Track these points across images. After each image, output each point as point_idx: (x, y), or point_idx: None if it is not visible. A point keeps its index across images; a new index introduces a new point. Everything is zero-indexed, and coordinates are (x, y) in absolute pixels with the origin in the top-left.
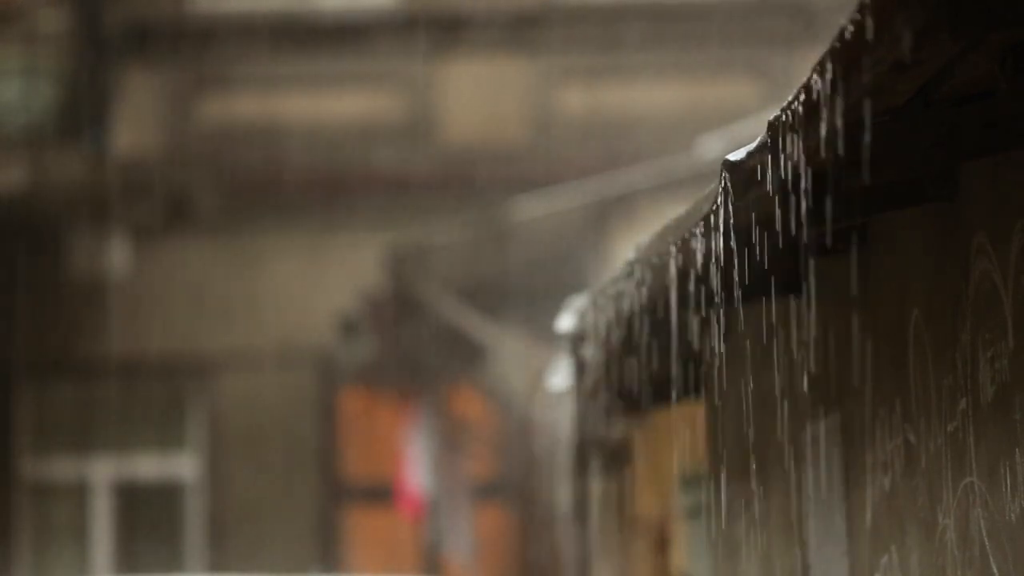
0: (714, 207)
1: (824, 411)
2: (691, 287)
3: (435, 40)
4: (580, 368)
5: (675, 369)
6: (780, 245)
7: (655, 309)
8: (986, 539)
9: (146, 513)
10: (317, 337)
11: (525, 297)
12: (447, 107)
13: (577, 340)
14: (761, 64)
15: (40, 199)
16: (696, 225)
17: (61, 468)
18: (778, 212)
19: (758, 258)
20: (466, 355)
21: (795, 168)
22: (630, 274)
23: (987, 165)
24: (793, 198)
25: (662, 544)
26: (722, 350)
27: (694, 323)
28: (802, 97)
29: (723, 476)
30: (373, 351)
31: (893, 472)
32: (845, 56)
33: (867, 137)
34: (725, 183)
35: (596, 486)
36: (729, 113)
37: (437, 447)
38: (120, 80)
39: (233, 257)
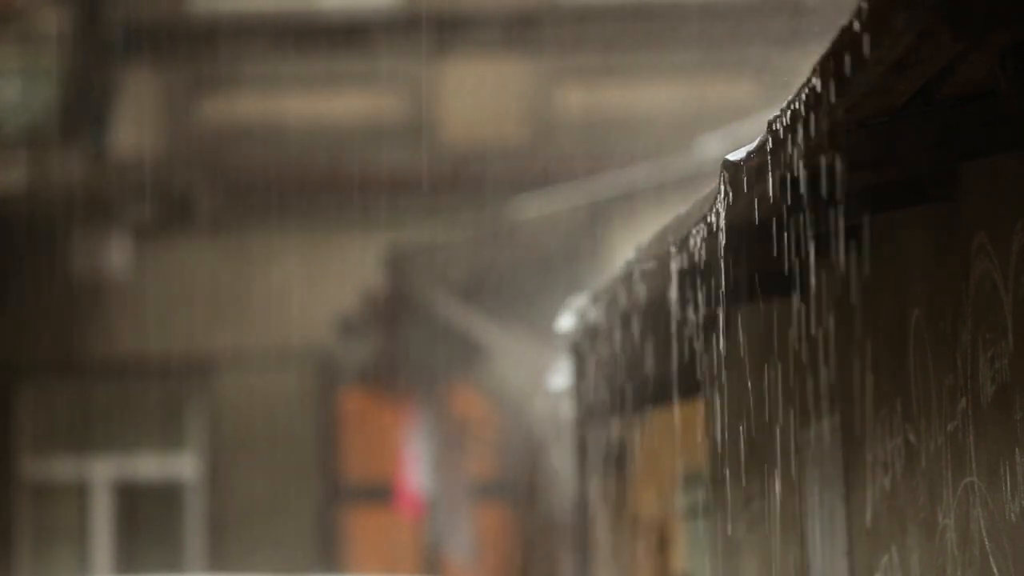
0: (714, 207)
1: (824, 411)
2: (691, 287)
3: (435, 40)
4: (580, 368)
5: (675, 369)
6: (780, 245)
7: (655, 309)
8: (986, 539)
9: (146, 513)
10: (317, 337)
11: (525, 297)
12: (447, 107)
13: (577, 340)
14: (761, 64)
15: (40, 199)
16: (696, 225)
17: (61, 468)
18: (778, 212)
19: (758, 258)
20: (466, 355)
21: (795, 168)
22: (630, 274)
23: (987, 165)
24: (793, 198)
25: (662, 544)
26: (722, 350)
27: (694, 323)
28: (802, 97)
29: (723, 476)
30: (373, 351)
31: (893, 472)
32: (845, 56)
33: (867, 137)
34: (725, 183)
35: (596, 486)
36: (729, 113)
37: (437, 447)
38: (120, 80)
39: (233, 257)
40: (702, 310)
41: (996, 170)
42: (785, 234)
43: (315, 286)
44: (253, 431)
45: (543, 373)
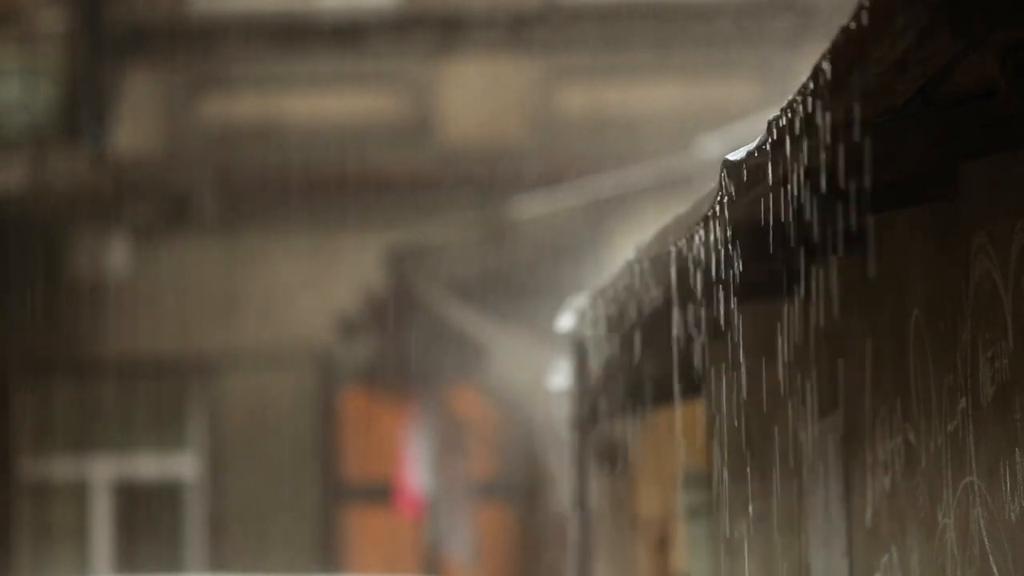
0: (714, 207)
1: (824, 411)
2: (691, 287)
3: (435, 40)
4: (580, 368)
5: (675, 369)
6: (780, 245)
7: (655, 309)
8: (986, 539)
9: (146, 513)
10: (317, 337)
11: (525, 297)
12: (447, 107)
13: (577, 340)
14: (761, 64)
15: (40, 199)
16: (696, 225)
17: (61, 468)
18: (778, 212)
19: (758, 258)
20: (466, 355)
21: (795, 168)
22: (630, 274)
23: (987, 165)
24: (793, 198)
25: (662, 544)
26: (722, 350)
27: (694, 323)
28: (802, 97)
29: (723, 476)
30: (373, 351)
31: (893, 472)
32: (845, 56)
33: (867, 137)
34: (724, 183)
35: (596, 486)
36: (729, 113)
37: (437, 447)
38: (120, 80)
39: (233, 257)
40: (702, 310)
41: (996, 170)
42: (785, 234)
43: (315, 286)
44: (253, 431)
45: (543, 373)
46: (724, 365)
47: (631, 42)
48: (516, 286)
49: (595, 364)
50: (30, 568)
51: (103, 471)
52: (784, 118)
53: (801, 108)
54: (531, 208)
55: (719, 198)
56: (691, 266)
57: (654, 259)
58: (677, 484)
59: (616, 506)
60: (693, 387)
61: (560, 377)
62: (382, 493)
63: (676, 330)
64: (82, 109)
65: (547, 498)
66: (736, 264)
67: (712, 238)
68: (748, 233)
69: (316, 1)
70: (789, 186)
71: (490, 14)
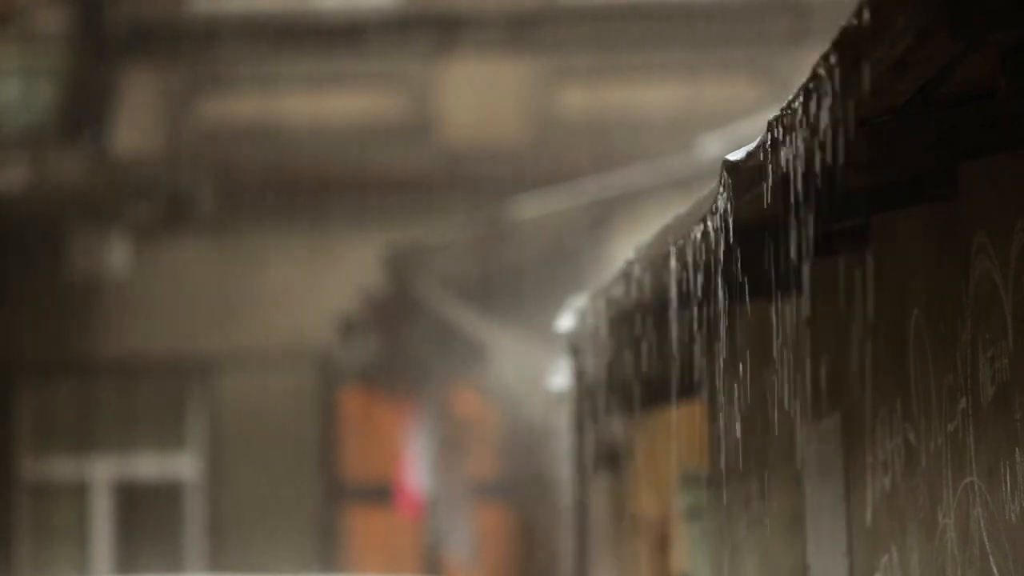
0: (714, 207)
1: (824, 411)
2: (691, 287)
3: (435, 40)
4: (580, 368)
5: (675, 369)
6: (780, 245)
7: (655, 309)
8: (986, 539)
9: (146, 513)
10: (317, 337)
11: (525, 297)
12: (447, 107)
13: (577, 340)
14: (761, 64)
15: (40, 199)
16: (696, 225)
17: (61, 468)
18: (778, 212)
19: (757, 258)
20: (466, 355)
21: (795, 168)
22: (630, 274)
23: (987, 165)
24: (793, 198)
25: (662, 544)
26: (722, 350)
27: (694, 323)
28: (802, 97)
29: (723, 476)
30: (373, 351)
31: (893, 472)
32: (845, 56)
33: (867, 137)
34: (725, 183)
35: (596, 486)
36: (729, 113)
37: (437, 447)
38: (120, 80)
39: (233, 257)
40: (702, 310)
41: (996, 170)
42: (785, 234)
43: (315, 286)
44: (253, 431)
45: (543, 373)
46: (724, 365)
47: (631, 42)
48: (516, 286)
49: (595, 364)
50: (30, 568)
51: (103, 471)
52: (784, 118)
53: (801, 108)
54: (531, 208)
55: (719, 198)
56: (691, 266)
57: (654, 259)
58: (677, 484)
59: (616, 506)
60: (693, 387)
61: (560, 377)
62: (382, 493)
63: (676, 330)
64: (82, 109)
65: (547, 498)
66: (736, 264)
67: (712, 238)
68: (748, 233)
69: (316, 1)
70: (789, 186)
71: (490, 14)
